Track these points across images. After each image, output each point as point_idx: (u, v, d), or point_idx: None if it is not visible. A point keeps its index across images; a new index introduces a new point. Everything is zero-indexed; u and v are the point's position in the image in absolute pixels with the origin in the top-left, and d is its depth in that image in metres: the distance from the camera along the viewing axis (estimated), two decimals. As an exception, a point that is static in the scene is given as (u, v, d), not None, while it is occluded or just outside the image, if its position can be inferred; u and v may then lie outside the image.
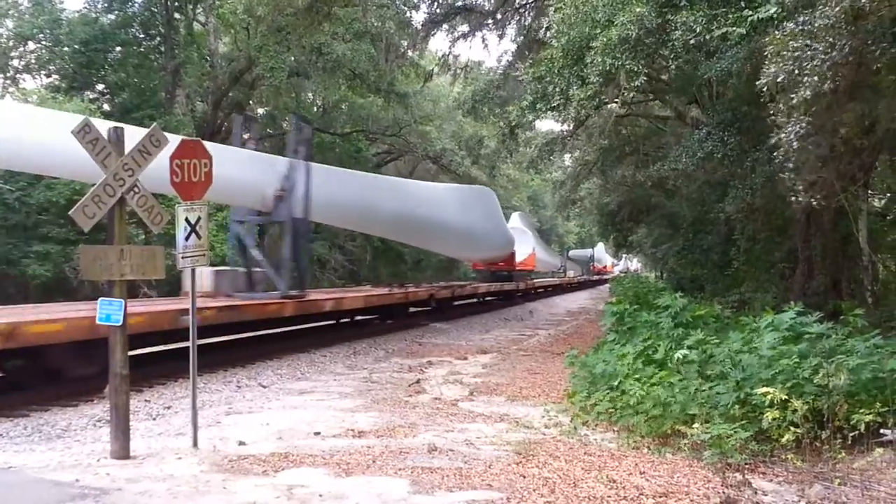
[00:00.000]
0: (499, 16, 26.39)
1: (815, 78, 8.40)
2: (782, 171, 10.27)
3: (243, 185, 16.25)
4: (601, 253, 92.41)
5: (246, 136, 17.87)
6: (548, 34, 17.95)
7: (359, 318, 21.99)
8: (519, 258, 38.99)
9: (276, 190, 16.74)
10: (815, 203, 10.08)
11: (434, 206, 25.96)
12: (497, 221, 32.77)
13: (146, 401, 10.32)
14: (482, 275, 38.20)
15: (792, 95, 8.77)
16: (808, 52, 8.51)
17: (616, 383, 8.98)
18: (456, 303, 30.14)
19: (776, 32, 9.21)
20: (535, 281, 48.42)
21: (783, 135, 9.14)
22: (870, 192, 14.62)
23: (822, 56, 8.36)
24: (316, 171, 18.35)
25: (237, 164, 16.10)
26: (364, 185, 21.85)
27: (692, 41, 11.73)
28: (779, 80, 8.89)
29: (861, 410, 6.75)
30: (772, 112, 9.64)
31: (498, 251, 34.04)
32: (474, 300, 33.94)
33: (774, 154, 9.72)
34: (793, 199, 10.21)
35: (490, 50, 79.68)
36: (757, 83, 9.55)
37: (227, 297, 15.86)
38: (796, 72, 8.60)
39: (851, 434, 6.69)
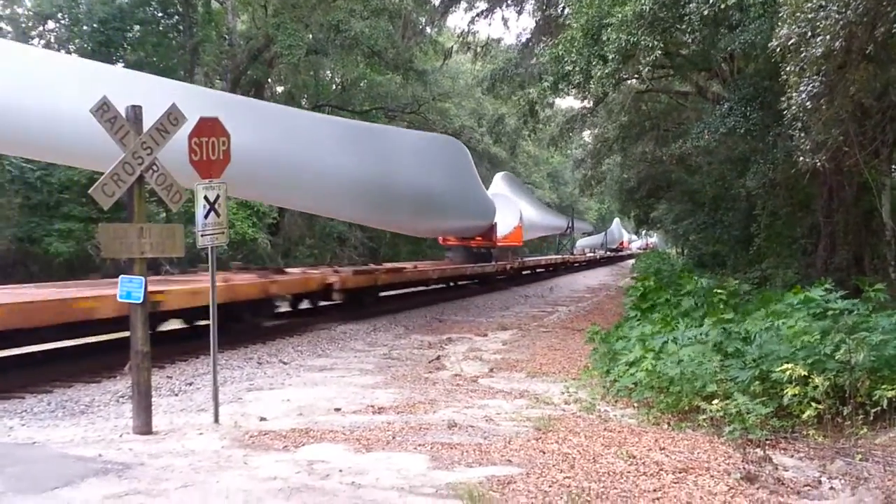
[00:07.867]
0: (518, -10, 26.12)
1: (828, 37, 8.31)
2: (791, 129, 10.21)
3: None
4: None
5: None
6: (566, 12, 17.86)
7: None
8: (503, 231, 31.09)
9: None
10: (819, 165, 10.00)
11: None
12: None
13: (168, 377, 10.41)
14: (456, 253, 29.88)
15: (803, 51, 8.68)
16: (822, 13, 8.40)
17: (635, 359, 8.95)
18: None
19: None
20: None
21: (794, 94, 9.06)
22: (893, 166, 14.42)
23: (836, 15, 8.24)
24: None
25: None
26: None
27: (706, 12, 11.56)
28: (790, 42, 8.80)
29: (883, 386, 6.71)
30: (783, 73, 9.55)
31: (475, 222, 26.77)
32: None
33: (784, 112, 9.63)
34: (800, 158, 10.15)
35: (511, 27, 78.64)
36: (769, 45, 9.46)
37: None
38: (809, 33, 8.51)
39: (874, 410, 6.67)
